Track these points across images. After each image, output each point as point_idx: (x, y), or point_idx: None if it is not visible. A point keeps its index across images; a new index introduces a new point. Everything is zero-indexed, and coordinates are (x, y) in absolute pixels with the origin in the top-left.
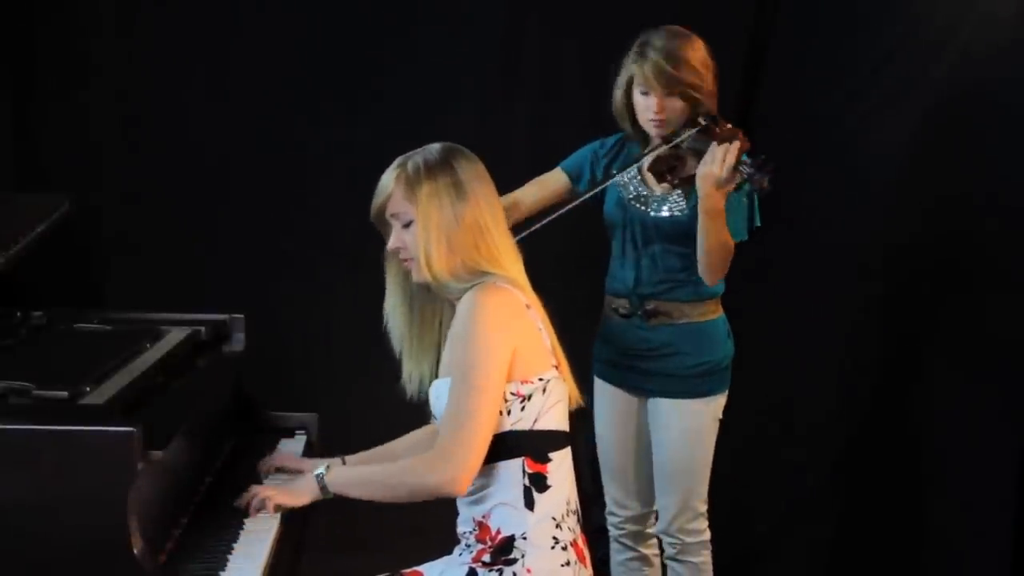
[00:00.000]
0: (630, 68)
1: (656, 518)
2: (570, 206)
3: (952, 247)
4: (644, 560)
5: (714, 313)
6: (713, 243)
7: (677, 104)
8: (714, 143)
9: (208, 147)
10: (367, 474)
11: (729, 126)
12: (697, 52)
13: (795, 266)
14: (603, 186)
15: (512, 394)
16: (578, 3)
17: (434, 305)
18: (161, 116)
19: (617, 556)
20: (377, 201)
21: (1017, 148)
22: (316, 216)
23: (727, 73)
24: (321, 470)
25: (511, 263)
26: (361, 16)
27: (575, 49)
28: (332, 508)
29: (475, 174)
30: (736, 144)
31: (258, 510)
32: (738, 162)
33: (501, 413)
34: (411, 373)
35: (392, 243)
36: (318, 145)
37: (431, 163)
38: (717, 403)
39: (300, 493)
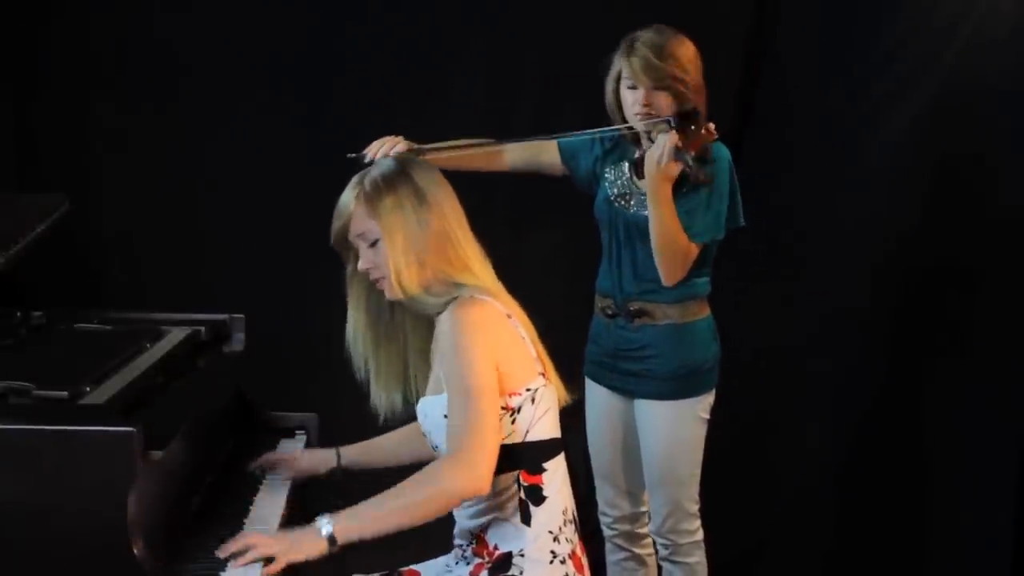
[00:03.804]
0: (619, 63)
1: (649, 518)
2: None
3: (953, 244)
4: (638, 560)
5: (697, 314)
6: (657, 231)
7: (663, 98)
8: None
9: (208, 147)
10: (378, 507)
11: (710, 126)
12: (685, 49)
13: (794, 263)
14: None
15: (502, 408)
16: (577, 2)
17: (398, 323)
18: (161, 116)
19: (611, 556)
20: (338, 224)
21: (1020, 142)
22: (316, 216)
23: (727, 72)
24: (327, 527)
25: (482, 269)
26: (363, 20)
27: (573, 49)
28: (333, 506)
29: (433, 180)
30: (674, 135)
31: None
32: (679, 150)
33: None
34: (380, 395)
35: (362, 264)
36: (318, 145)
37: (388, 175)
38: (702, 404)
39: (304, 550)
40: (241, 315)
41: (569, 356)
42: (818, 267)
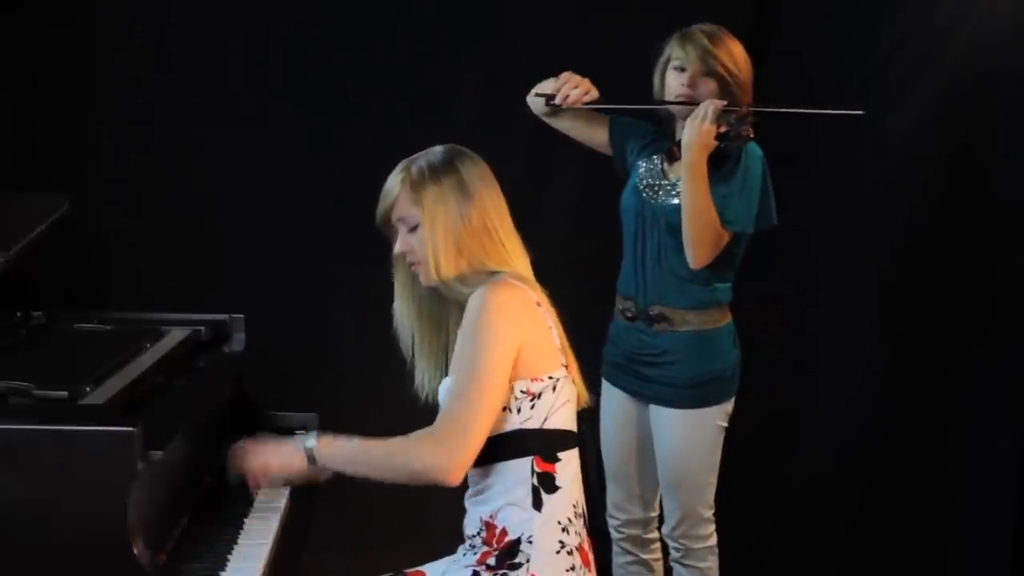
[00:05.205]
0: (670, 47)
1: (658, 523)
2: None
3: (954, 243)
4: (645, 565)
5: (719, 321)
6: (690, 206)
7: (709, 84)
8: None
9: (208, 147)
10: (359, 450)
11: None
12: (737, 47)
13: (799, 263)
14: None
15: (522, 392)
16: (579, 3)
17: (442, 307)
18: (161, 116)
19: (618, 559)
20: (383, 206)
21: (1020, 141)
22: (316, 216)
23: None
24: (312, 441)
25: (519, 262)
26: (363, 17)
27: (574, 50)
28: (334, 507)
29: (479, 175)
30: (717, 100)
31: (254, 486)
32: (722, 113)
33: (509, 410)
34: (424, 375)
35: (399, 247)
36: (318, 145)
37: (435, 165)
38: (720, 411)
39: (286, 463)
40: (241, 315)
41: (584, 360)
42: (818, 266)
